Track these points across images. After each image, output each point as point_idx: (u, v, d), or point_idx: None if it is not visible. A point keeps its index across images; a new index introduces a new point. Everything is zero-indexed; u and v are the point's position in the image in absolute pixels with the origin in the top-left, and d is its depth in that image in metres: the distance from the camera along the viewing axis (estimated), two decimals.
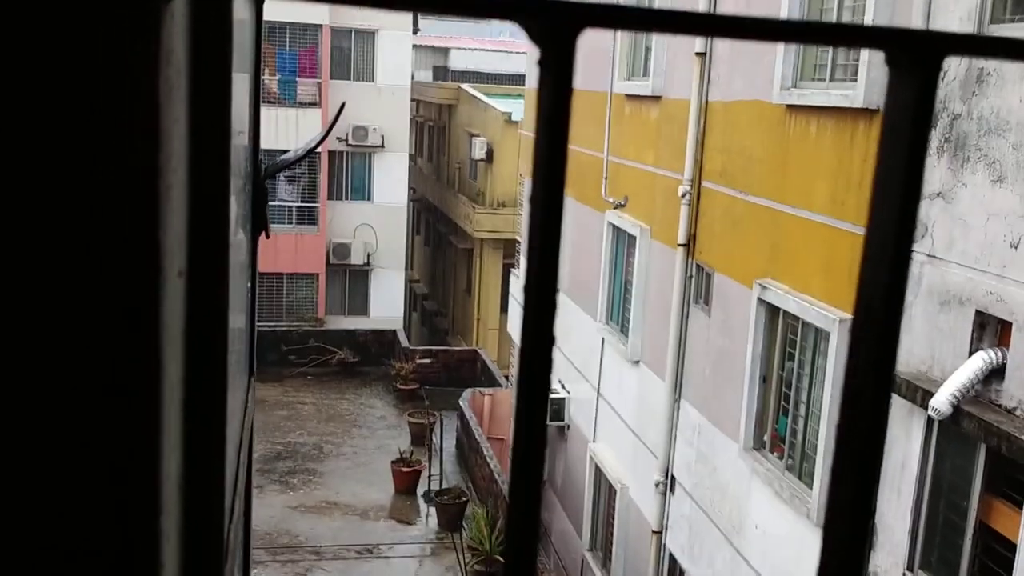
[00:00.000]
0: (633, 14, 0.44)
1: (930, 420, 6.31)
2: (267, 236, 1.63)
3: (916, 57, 0.46)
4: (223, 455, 0.69)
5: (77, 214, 0.41)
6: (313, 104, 25.01)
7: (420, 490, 17.50)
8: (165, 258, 0.45)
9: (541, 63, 0.44)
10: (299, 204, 25.68)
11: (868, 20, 7.17)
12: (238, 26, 1.25)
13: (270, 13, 25.91)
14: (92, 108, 0.40)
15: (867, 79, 7.16)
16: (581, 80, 13.89)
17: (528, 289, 0.43)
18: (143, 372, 0.43)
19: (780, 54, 8.39)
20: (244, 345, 1.46)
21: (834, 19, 7.92)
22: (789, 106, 8.35)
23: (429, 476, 17.33)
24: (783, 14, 8.36)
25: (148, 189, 0.41)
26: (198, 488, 0.61)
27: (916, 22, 6.63)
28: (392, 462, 17.65)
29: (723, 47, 9.72)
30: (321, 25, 24.89)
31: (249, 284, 1.54)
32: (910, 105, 0.46)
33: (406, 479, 17.43)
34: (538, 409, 0.48)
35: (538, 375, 0.45)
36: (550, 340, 0.46)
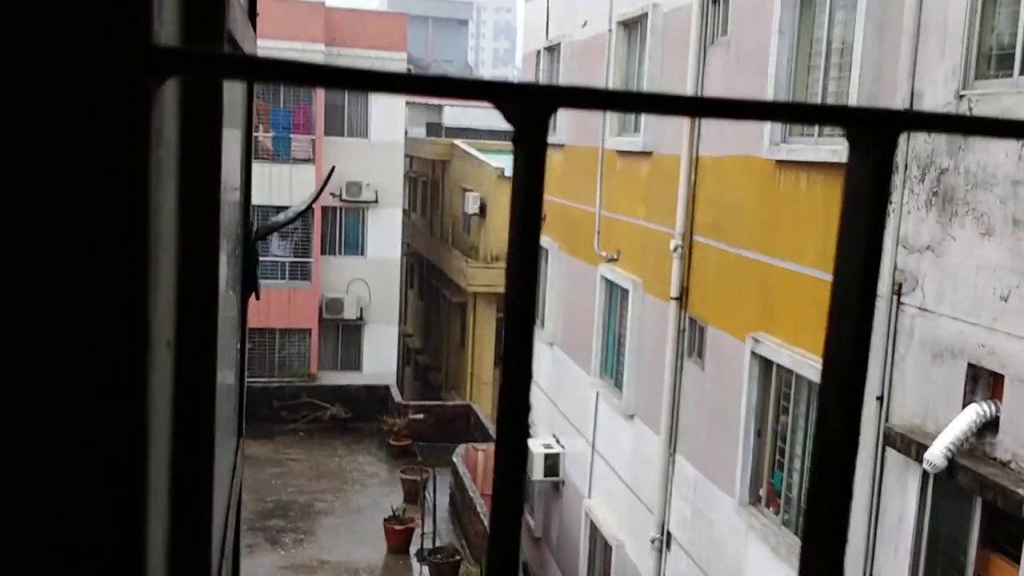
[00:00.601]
0: (600, 95, 0.46)
1: (925, 474, 6.28)
2: (257, 297, 1.65)
3: (874, 134, 0.48)
4: (210, 524, 0.69)
5: (65, 290, 0.42)
6: (307, 160, 25.21)
7: (413, 548, 17.25)
8: (153, 331, 0.46)
9: (515, 141, 0.46)
10: (292, 259, 25.74)
11: (855, 77, 7.31)
12: (228, 88, 1.28)
13: None
14: (82, 187, 0.42)
15: None
16: (573, 136, 14.08)
17: (505, 373, 0.44)
18: (129, 445, 0.44)
19: None
20: (233, 406, 1.47)
21: (821, 77, 8.07)
22: (779, 161, 8.46)
23: (422, 534, 17.09)
24: (770, 76, 8.51)
25: (135, 266, 0.43)
26: (185, 556, 0.61)
27: (902, 80, 6.75)
28: (384, 520, 17.43)
29: None
30: None
31: (239, 345, 1.55)
32: (869, 179, 0.48)
33: (399, 537, 17.20)
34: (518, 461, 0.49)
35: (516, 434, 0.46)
36: (525, 421, 0.48)
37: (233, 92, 1.41)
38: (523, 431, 0.48)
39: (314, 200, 2.94)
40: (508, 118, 0.46)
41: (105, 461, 0.44)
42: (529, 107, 0.45)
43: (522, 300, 0.47)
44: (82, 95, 0.42)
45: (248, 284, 1.53)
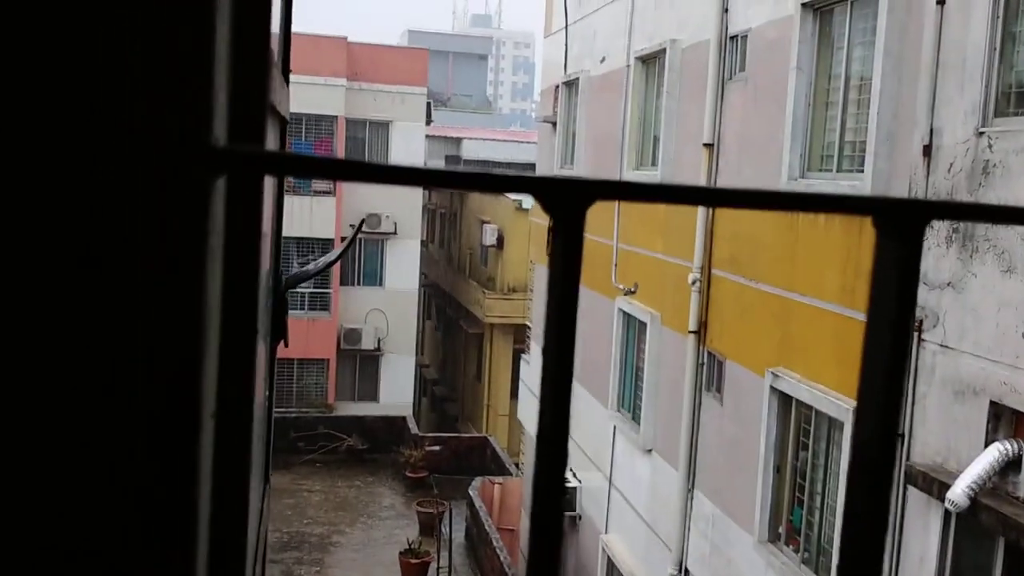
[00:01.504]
0: (634, 188, 0.47)
1: (947, 513, 6.21)
2: (286, 345, 1.67)
3: (901, 223, 0.50)
4: None
5: (130, 368, 0.44)
6: (328, 193, 25.43)
7: None
8: (202, 404, 0.48)
9: (552, 231, 0.48)
10: (311, 290, 25.88)
11: (873, 113, 7.31)
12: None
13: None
14: (142, 280, 0.44)
15: (874, 169, 7.28)
16: (592, 168, 14.13)
17: (539, 460, 0.46)
18: (181, 517, 0.45)
19: (787, 143, 8.54)
20: (260, 453, 1.48)
21: (839, 113, 8.08)
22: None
23: (438, 568, 16.98)
24: (788, 112, 8.54)
25: (192, 347, 0.45)
26: None
27: (921, 117, 6.76)
28: (400, 553, 17.33)
29: (731, 137, 9.91)
30: (336, 116, 25.49)
31: (268, 392, 1.57)
32: (896, 267, 0.49)
33: (414, 571, 17.09)
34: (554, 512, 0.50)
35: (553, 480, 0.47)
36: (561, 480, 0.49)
37: (273, 136, 1.44)
38: (558, 515, 0.49)
39: (343, 253, 2.99)
40: (547, 210, 0.48)
41: (157, 531, 0.46)
42: (568, 200, 0.47)
43: (560, 384, 0.49)
44: (145, 194, 0.44)
45: (277, 333, 1.56)
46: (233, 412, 0.61)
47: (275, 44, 1.54)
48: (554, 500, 0.47)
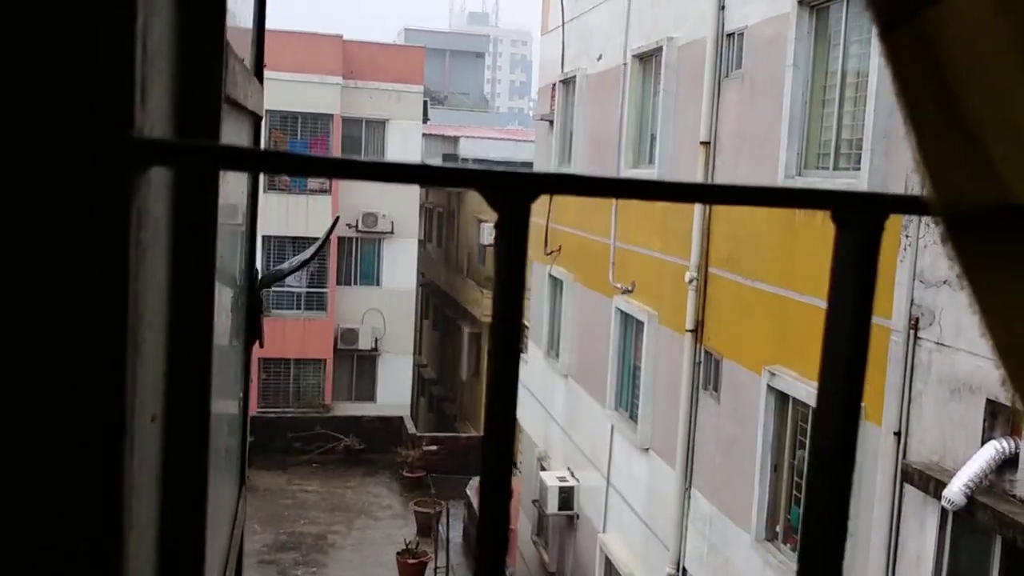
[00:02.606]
0: (580, 181, 0.46)
1: (944, 511, 6.20)
2: (261, 345, 1.65)
3: (860, 216, 0.48)
4: None
5: (45, 369, 0.43)
6: (323, 191, 25.39)
7: None
8: (135, 406, 0.47)
9: (497, 227, 0.46)
10: (308, 289, 25.85)
11: (870, 109, 7.29)
12: (233, 127, 1.29)
13: (283, 103, 26.37)
14: (60, 271, 0.42)
15: (871, 167, 7.26)
16: (589, 167, 14.12)
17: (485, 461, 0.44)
18: (105, 517, 0.44)
19: (784, 141, 8.53)
20: (235, 456, 1.46)
21: (836, 110, 8.07)
22: None
23: (435, 568, 16.97)
24: (785, 109, 8.52)
25: (113, 347, 0.43)
26: None
27: None
28: (397, 553, 17.32)
29: (727, 135, 9.89)
30: (332, 115, 25.46)
31: (242, 395, 1.55)
32: (855, 261, 0.48)
33: (412, 571, 17.08)
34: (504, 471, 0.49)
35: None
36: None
37: (240, 132, 1.42)
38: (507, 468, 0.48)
39: (317, 252, 2.97)
40: (492, 204, 0.46)
41: (82, 543, 0.44)
42: (513, 194, 0.45)
43: (507, 371, 0.47)
44: (62, 187, 0.42)
45: (252, 333, 1.54)
46: (186, 414, 0.59)
47: (245, 40, 1.52)
48: (503, 459, 0.46)
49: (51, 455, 0.44)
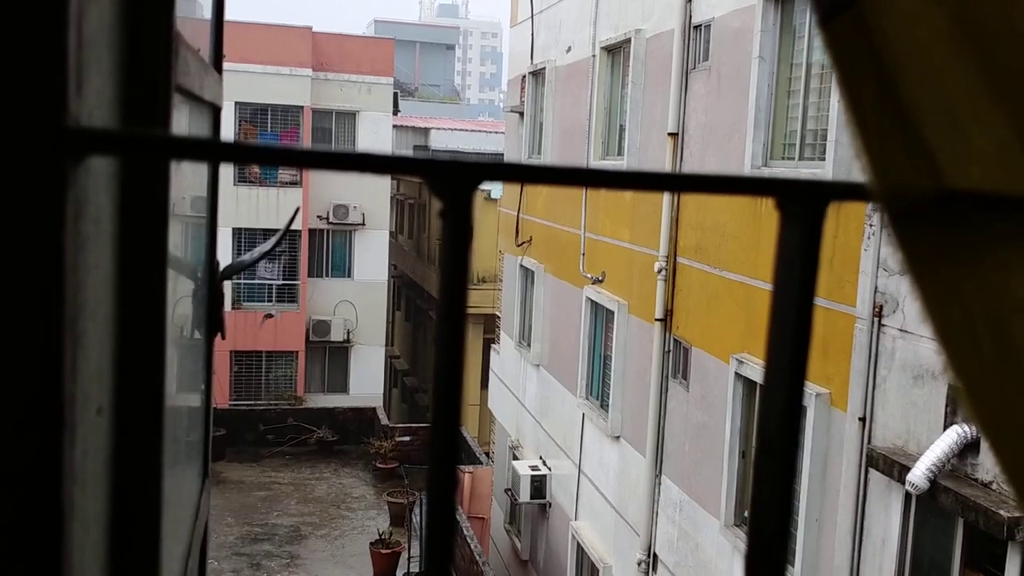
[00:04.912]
0: (522, 169, 0.46)
1: (908, 495, 6.29)
2: (223, 337, 1.64)
3: (803, 204, 0.49)
4: None
5: None
6: (294, 184, 25.22)
7: (400, 572, 17.12)
8: (77, 401, 0.46)
9: (441, 215, 0.46)
10: (279, 282, 25.68)
11: (834, 101, 7.37)
12: (194, 116, 1.28)
13: (253, 95, 26.13)
14: None
15: (835, 157, 7.33)
16: (558, 158, 14.13)
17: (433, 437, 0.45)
18: (45, 513, 0.43)
19: (750, 132, 8.59)
20: (198, 448, 1.45)
21: (801, 101, 8.14)
22: None
23: (409, 558, 16.98)
24: (751, 100, 8.58)
25: (49, 338, 0.43)
26: None
27: None
28: (371, 544, 17.31)
29: (695, 126, 9.94)
30: (303, 107, 25.27)
31: (204, 386, 1.54)
32: (799, 249, 0.48)
33: (385, 561, 17.07)
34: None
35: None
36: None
37: (198, 123, 1.41)
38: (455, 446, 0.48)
39: (278, 242, 2.95)
40: (435, 192, 0.46)
41: (20, 545, 0.44)
42: (455, 182, 0.45)
43: (451, 363, 0.48)
44: None
45: (213, 324, 1.52)
46: (138, 406, 0.58)
47: (202, 31, 1.50)
48: (450, 438, 0.46)
49: None
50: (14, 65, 0.42)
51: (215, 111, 1.49)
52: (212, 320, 1.49)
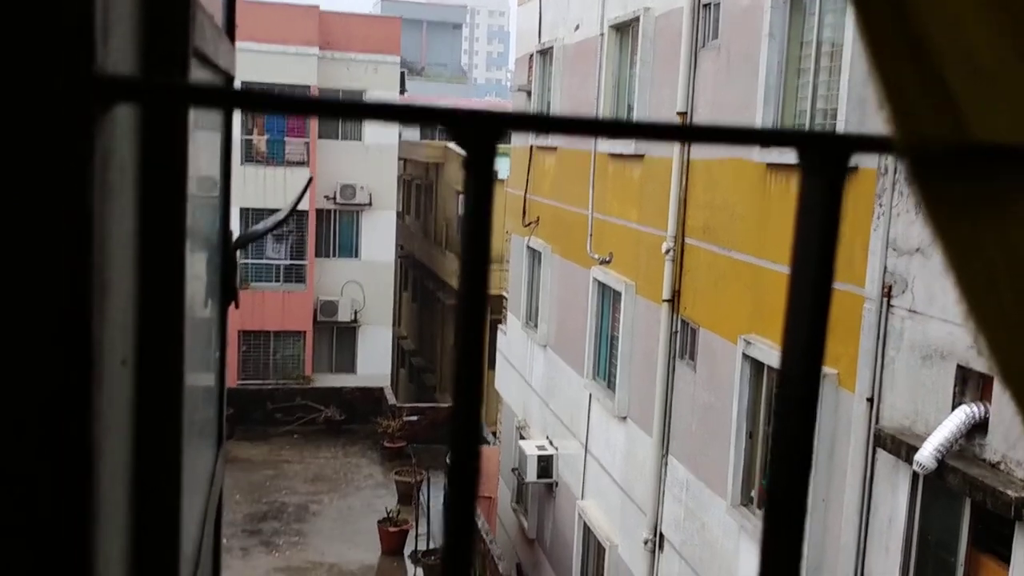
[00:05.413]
0: (545, 120, 0.46)
1: (915, 475, 6.30)
2: (236, 306, 1.65)
3: (825, 157, 0.49)
4: (177, 532, 0.69)
5: (3, 315, 0.43)
6: (301, 163, 25.20)
7: (407, 550, 17.24)
8: (103, 349, 0.47)
9: (465, 165, 0.46)
10: (287, 262, 25.72)
11: (844, 79, 7.32)
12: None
13: (259, 74, 26.06)
14: (21, 211, 0.42)
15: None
16: (566, 139, 14.08)
17: (456, 380, 0.45)
18: (73, 461, 0.44)
19: (760, 110, 8.54)
20: (213, 415, 1.47)
21: (811, 79, 8.09)
22: (769, 164, 8.48)
23: (416, 536, 17.10)
24: (760, 79, 8.53)
25: (78, 286, 0.43)
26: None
27: None
28: (379, 522, 17.42)
29: (704, 105, 9.89)
30: (309, 86, 25.20)
31: (218, 353, 1.55)
32: (821, 203, 0.48)
33: (393, 539, 17.19)
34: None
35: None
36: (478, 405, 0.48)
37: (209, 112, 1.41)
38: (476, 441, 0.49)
39: (291, 211, 2.95)
40: (460, 143, 0.46)
41: (49, 489, 0.44)
42: (479, 132, 0.45)
43: (474, 316, 0.48)
44: (23, 123, 0.42)
45: (227, 293, 1.53)
46: (159, 357, 0.59)
47: (217, 1, 1.50)
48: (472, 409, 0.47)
49: (17, 389, 0.44)
50: (47, 15, 0.42)
51: (228, 79, 1.50)
52: (226, 288, 1.49)
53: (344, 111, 0.44)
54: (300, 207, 24.75)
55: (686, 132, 0.48)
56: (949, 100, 0.45)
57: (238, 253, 1.70)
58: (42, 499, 0.44)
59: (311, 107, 0.43)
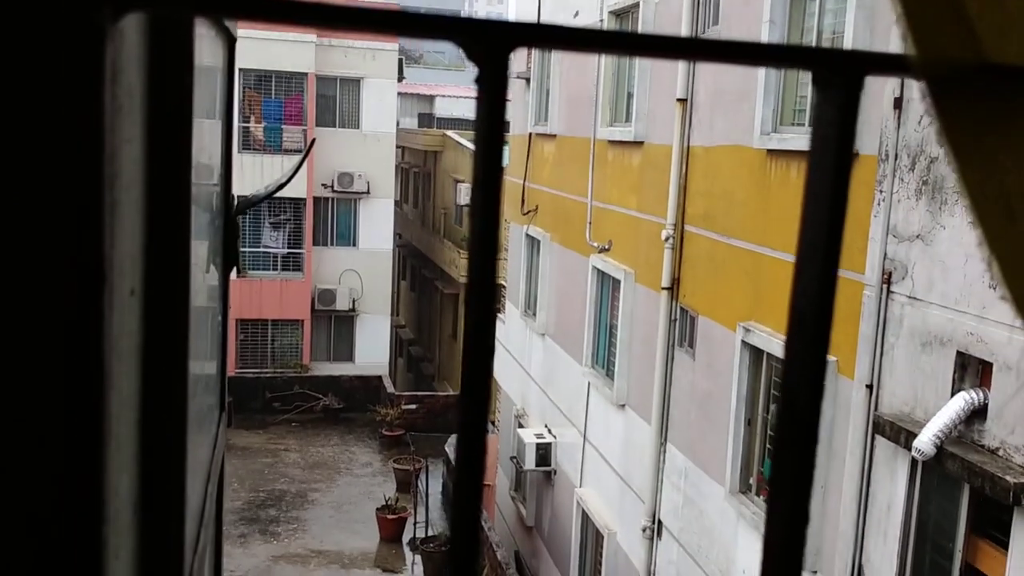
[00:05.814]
0: (560, 32, 0.46)
1: (914, 461, 6.31)
2: (239, 273, 1.64)
3: (839, 75, 0.48)
4: (183, 471, 0.69)
5: (14, 226, 0.42)
6: (299, 151, 25.13)
7: (406, 537, 17.28)
8: (113, 273, 0.46)
9: (477, 80, 0.46)
10: (284, 251, 25.69)
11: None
12: (207, 71, 1.27)
13: (256, 62, 25.97)
14: (31, 121, 0.42)
15: None
16: (565, 126, 14.05)
17: (469, 300, 0.44)
18: (85, 385, 0.43)
19: (760, 99, 8.52)
20: (215, 381, 1.46)
21: (810, 82, 8.06)
22: (769, 151, 8.46)
23: (415, 523, 17.13)
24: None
25: (89, 203, 0.43)
26: (156, 504, 0.61)
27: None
28: (377, 509, 17.46)
29: (704, 93, 9.87)
30: (307, 73, 25.13)
31: (220, 317, 1.55)
32: (835, 122, 0.48)
33: (391, 527, 17.23)
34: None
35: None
36: (490, 346, 0.48)
37: (213, 61, 1.40)
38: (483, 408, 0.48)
39: (294, 173, 2.94)
40: (471, 56, 0.46)
41: (61, 399, 0.44)
42: (491, 44, 0.45)
43: (485, 251, 0.47)
44: (30, 29, 0.42)
45: (229, 257, 1.53)
46: (163, 291, 0.59)
47: None
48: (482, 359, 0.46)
49: (28, 304, 0.43)
50: None
51: (230, 41, 1.49)
52: (228, 253, 1.49)
53: (355, 20, 0.44)
54: (297, 196, 24.72)
55: (696, 46, 0.48)
56: (967, 23, 0.45)
57: (239, 220, 1.71)
58: (54, 419, 0.44)
59: (325, 17, 0.42)
